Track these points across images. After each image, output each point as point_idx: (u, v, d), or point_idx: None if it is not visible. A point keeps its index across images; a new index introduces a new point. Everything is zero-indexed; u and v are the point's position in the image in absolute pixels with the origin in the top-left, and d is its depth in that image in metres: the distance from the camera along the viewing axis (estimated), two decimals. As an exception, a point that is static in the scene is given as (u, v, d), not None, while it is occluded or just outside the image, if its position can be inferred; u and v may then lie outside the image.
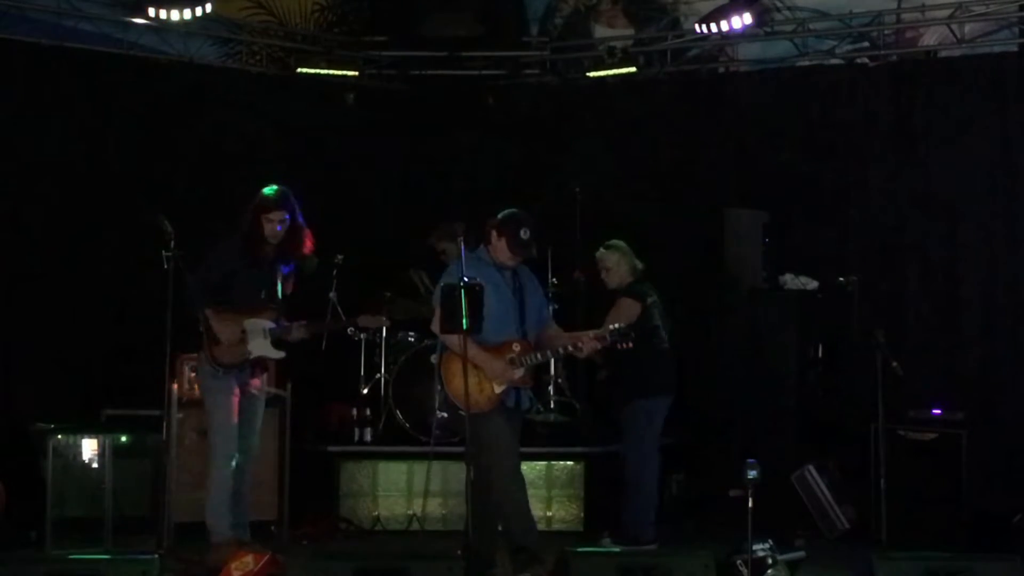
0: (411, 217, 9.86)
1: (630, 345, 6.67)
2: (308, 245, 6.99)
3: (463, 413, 6.33)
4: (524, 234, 6.41)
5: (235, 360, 6.83)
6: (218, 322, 6.76)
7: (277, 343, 6.91)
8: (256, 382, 7.03)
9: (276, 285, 6.92)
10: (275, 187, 6.92)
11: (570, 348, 6.68)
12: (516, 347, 6.43)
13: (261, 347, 6.88)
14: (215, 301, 6.79)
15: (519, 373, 6.43)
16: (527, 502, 6.67)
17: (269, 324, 6.87)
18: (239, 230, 6.88)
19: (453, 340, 6.42)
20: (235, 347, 6.82)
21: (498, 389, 6.37)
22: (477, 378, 6.33)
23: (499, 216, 6.52)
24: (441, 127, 10.04)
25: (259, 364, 7.00)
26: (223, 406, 6.84)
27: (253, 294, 6.85)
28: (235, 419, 6.85)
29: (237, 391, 6.87)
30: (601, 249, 7.75)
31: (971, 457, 7.82)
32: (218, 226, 9.14)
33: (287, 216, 6.83)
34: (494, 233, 6.47)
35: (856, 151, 9.01)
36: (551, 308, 8.68)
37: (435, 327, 6.61)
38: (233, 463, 6.86)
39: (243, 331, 6.83)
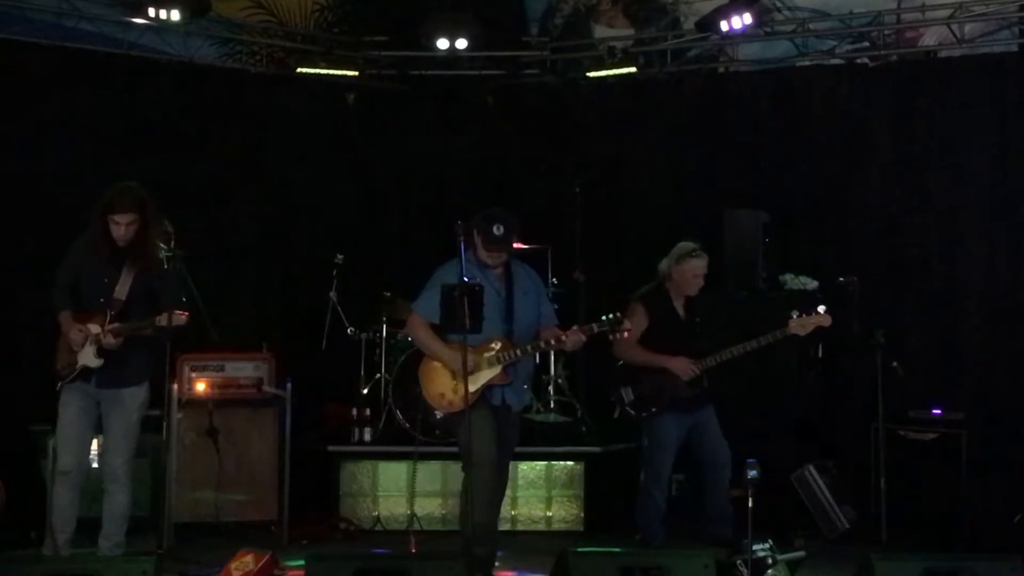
0: (411, 217, 9.87)
1: (626, 335, 6.59)
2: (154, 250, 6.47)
3: (438, 414, 6.39)
4: (497, 230, 6.33)
5: (66, 372, 6.45)
6: (68, 321, 6.43)
7: (99, 351, 6.39)
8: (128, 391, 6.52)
9: (115, 286, 6.41)
10: (125, 184, 6.45)
11: (552, 343, 6.63)
12: (495, 344, 6.39)
13: (84, 356, 6.41)
14: (70, 305, 6.48)
15: (495, 370, 6.38)
16: (498, 506, 6.65)
17: (96, 329, 6.41)
18: (91, 225, 6.47)
19: (421, 339, 6.48)
20: (68, 356, 6.44)
21: (473, 387, 6.29)
22: (454, 380, 6.34)
23: (476, 215, 6.45)
24: (441, 127, 10.05)
25: (104, 374, 6.45)
26: (60, 419, 6.48)
27: (95, 298, 6.44)
28: (72, 435, 6.44)
29: (80, 407, 6.46)
30: (703, 255, 7.43)
31: (971, 457, 7.82)
32: (217, 225, 9.23)
33: (136, 217, 6.36)
34: (473, 232, 6.41)
35: (856, 151, 9.01)
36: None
37: (410, 329, 6.60)
38: (67, 482, 6.43)
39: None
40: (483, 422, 6.35)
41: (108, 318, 6.38)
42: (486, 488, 6.38)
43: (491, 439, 6.37)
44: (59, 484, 6.45)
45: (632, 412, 7.33)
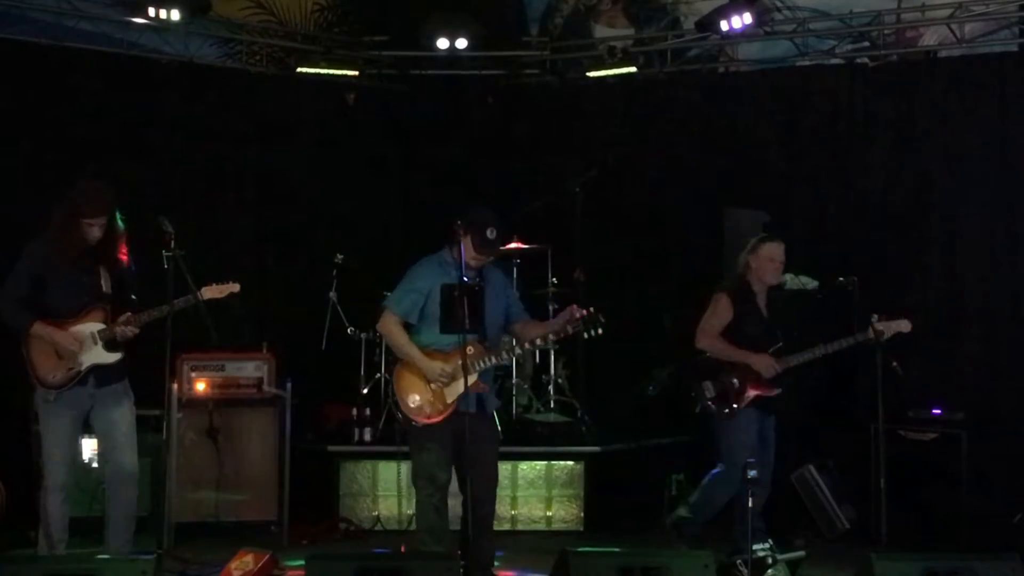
0: (411, 217, 9.87)
1: (600, 332, 6.33)
2: (123, 250, 6.40)
3: (416, 424, 6.25)
4: (490, 234, 6.21)
5: (66, 377, 6.23)
6: (49, 329, 6.20)
7: (110, 345, 6.28)
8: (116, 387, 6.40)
9: (99, 283, 6.30)
10: (95, 184, 6.33)
11: (526, 345, 6.52)
12: (470, 350, 6.21)
13: (93, 355, 6.24)
14: (35, 314, 6.23)
15: (472, 378, 6.19)
16: (491, 508, 6.46)
17: (97, 327, 6.27)
18: (51, 229, 6.28)
19: (396, 341, 6.35)
20: (63, 362, 6.23)
21: (449, 399, 6.22)
22: (430, 390, 6.26)
23: (466, 213, 6.31)
24: (441, 127, 10.05)
25: (102, 372, 6.30)
26: (52, 433, 6.27)
27: (74, 298, 6.26)
28: (66, 448, 6.29)
29: (73, 415, 6.29)
30: (777, 239, 7.17)
31: (971, 457, 7.82)
32: (217, 225, 9.24)
33: (107, 216, 6.26)
34: (460, 231, 6.26)
35: (856, 151, 9.01)
36: (551, 307, 8.72)
37: (383, 327, 6.45)
38: (62, 495, 6.30)
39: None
40: (434, 447, 6.25)
41: (108, 313, 6.29)
42: (433, 501, 6.31)
43: (441, 461, 6.26)
44: (53, 499, 6.30)
45: (713, 408, 7.03)
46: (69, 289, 6.29)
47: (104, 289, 6.34)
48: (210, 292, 6.49)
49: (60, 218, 6.26)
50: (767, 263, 7.06)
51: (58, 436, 6.30)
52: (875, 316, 6.97)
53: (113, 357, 6.32)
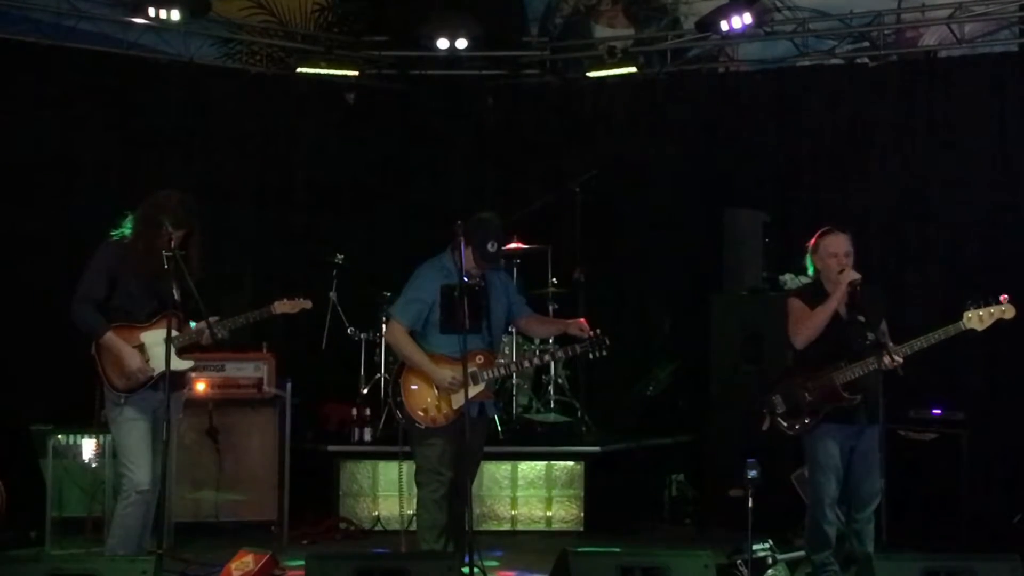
0: (411, 217, 9.87)
1: (604, 353, 6.33)
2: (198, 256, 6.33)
3: (419, 426, 6.25)
4: (492, 247, 6.18)
5: (136, 382, 6.13)
6: (119, 343, 6.10)
7: (181, 352, 6.19)
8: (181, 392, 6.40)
9: (172, 288, 6.12)
10: (179, 196, 6.23)
11: (535, 361, 6.58)
12: (479, 359, 6.23)
13: (164, 361, 6.08)
14: (108, 317, 6.13)
15: (479, 387, 6.22)
16: (447, 527, 6.33)
17: (171, 333, 6.13)
18: (132, 237, 6.18)
19: (404, 350, 6.30)
20: (125, 368, 6.12)
21: (456, 405, 6.21)
22: (437, 396, 6.25)
23: (468, 222, 6.21)
24: (441, 127, 10.05)
25: (173, 378, 6.11)
26: (130, 436, 6.11)
27: (146, 302, 6.19)
28: (144, 446, 6.09)
29: (147, 417, 6.14)
30: (837, 232, 6.49)
31: (971, 457, 7.81)
32: (216, 225, 9.22)
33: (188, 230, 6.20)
34: (462, 240, 6.15)
35: (856, 151, 9.01)
36: (551, 308, 8.73)
37: (391, 337, 6.43)
38: (144, 498, 6.09)
39: (141, 346, 6.13)
40: (441, 449, 6.26)
41: (181, 320, 6.22)
42: (435, 496, 6.29)
43: (447, 465, 6.27)
44: (133, 505, 6.09)
45: (784, 424, 6.51)
46: (143, 295, 6.21)
47: (176, 297, 6.22)
48: (282, 307, 6.53)
49: (141, 227, 6.18)
50: (829, 259, 6.45)
51: (136, 436, 6.13)
52: (970, 303, 6.22)
53: (185, 364, 6.29)
